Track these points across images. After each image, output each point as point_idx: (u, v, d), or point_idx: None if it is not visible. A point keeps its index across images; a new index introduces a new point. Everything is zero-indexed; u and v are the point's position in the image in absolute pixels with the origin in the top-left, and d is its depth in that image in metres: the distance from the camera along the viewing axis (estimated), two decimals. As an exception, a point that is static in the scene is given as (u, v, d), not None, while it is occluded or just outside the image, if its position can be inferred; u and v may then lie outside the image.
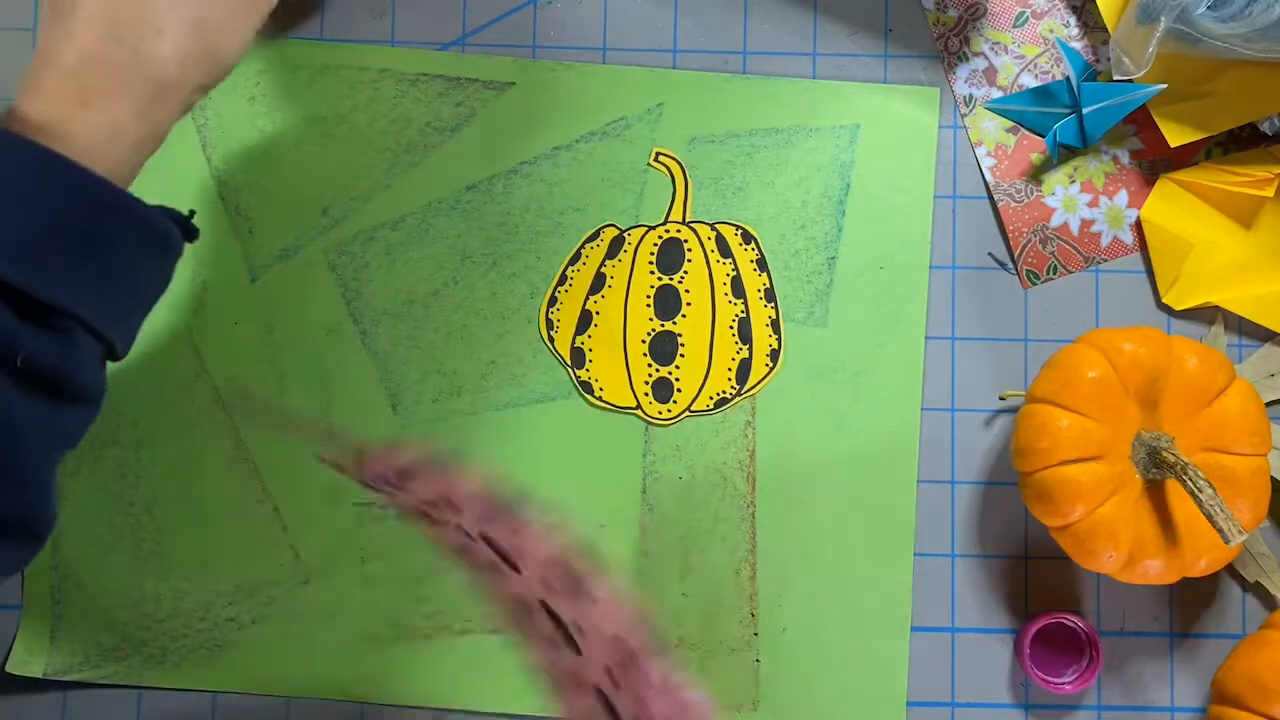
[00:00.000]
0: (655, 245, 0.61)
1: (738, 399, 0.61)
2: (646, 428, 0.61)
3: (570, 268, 0.61)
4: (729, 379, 0.61)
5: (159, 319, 0.60)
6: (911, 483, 0.60)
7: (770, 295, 0.61)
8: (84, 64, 0.43)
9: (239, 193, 0.61)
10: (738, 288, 0.61)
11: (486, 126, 0.61)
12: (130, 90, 0.43)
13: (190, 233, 0.46)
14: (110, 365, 0.55)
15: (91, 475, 0.60)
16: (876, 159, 0.62)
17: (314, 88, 0.62)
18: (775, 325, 0.61)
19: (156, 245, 0.44)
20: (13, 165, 0.41)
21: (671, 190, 0.62)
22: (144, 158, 0.45)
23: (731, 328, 0.61)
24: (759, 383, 0.61)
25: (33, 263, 0.40)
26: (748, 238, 0.61)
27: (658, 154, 0.62)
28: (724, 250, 0.61)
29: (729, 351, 0.61)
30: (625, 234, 0.61)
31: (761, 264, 0.61)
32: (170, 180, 0.61)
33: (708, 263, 0.61)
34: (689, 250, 0.61)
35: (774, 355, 0.61)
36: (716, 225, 0.61)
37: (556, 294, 0.61)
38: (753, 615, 0.60)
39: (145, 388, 0.60)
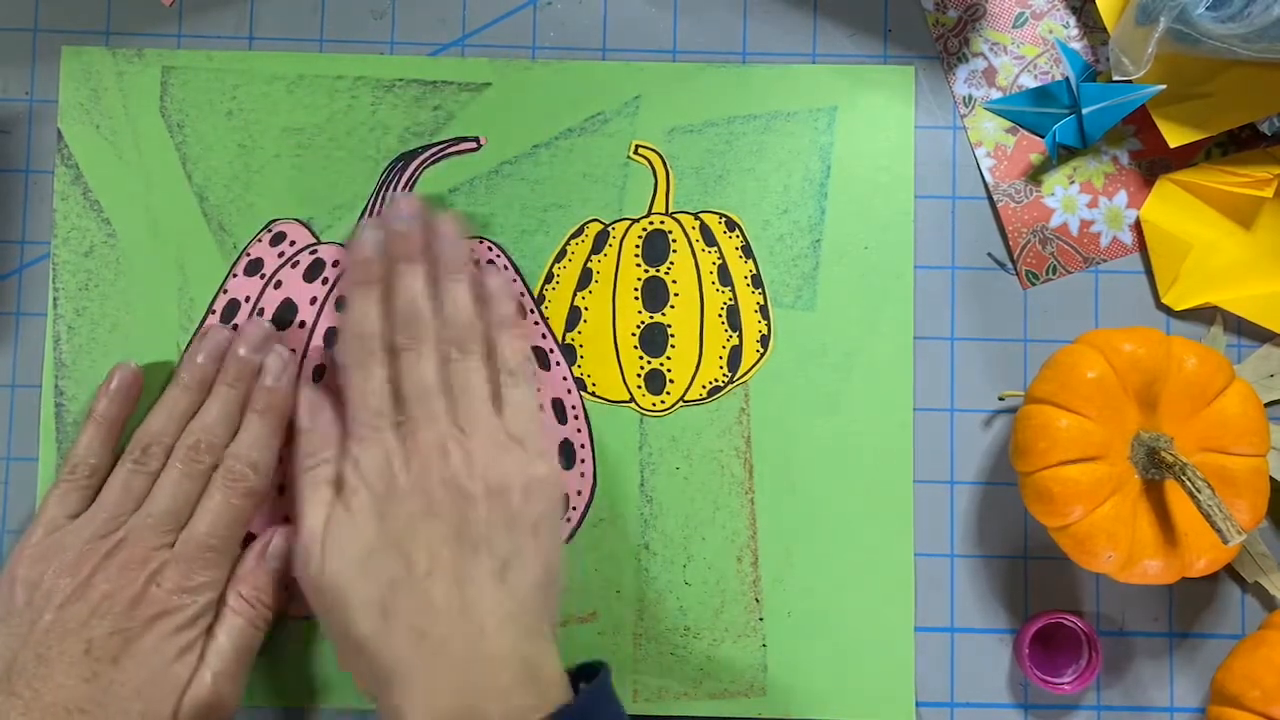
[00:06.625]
0: (640, 238, 0.61)
1: (731, 386, 0.61)
2: (641, 420, 0.61)
3: (556, 265, 0.61)
4: (721, 367, 0.61)
5: (149, 341, 0.61)
6: (908, 461, 0.61)
7: (757, 281, 0.61)
8: None
9: (222, 210, 0.61)
10: (724, 276, 0.61)
11: (465, 129, 0.61)
12: None
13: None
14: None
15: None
16: (855, 139, 0.62)
17: (290, 99, 0.62)
18: (764, 311, 0.61)
19: None
20: None
21: (653, 182, 0.62)
22: None
23: (720, 316, 0.61)
24: (751, 369, 0.61)
25: None
26: (732, 225, 0.61)
27: (637, 146, 0.62)
28: (709, 239, 0.61)
29: (719, 339, 0.61)
30: (609, 228, 0.62)
31: (747, 250, 0.61)
32: (153, 202, 0.61)
33: (693, 252, 0.61)
34: (674, 241, 0.61)
35: (764, 341, 0.61)
36: (700, 214, 0.62)
37: (544, 292, 0.61)
38: (757, 601, 0.60)
39: (142, 408, 0.60)
